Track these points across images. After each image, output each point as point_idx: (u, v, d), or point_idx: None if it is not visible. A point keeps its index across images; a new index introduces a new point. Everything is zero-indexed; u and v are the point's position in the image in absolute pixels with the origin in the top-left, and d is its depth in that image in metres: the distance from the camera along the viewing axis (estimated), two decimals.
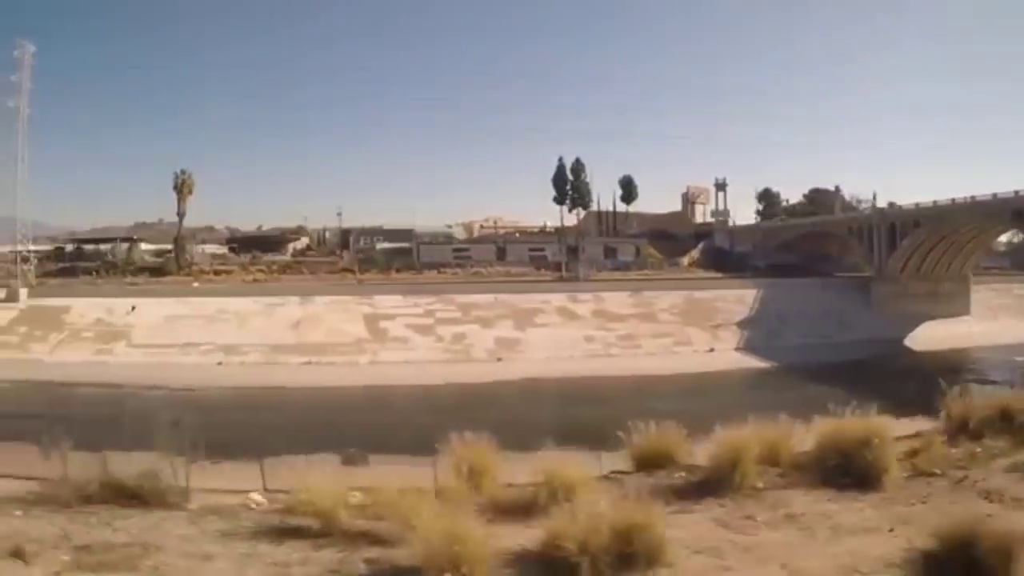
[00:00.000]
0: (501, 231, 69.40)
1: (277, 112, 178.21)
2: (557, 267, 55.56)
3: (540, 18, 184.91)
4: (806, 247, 60.79)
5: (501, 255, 54.52)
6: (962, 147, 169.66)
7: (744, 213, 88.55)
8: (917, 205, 50.49)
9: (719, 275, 56.77)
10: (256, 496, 7.75)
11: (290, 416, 26.88)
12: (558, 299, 46.78)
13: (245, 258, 63.91)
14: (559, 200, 63.60)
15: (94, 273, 59.23)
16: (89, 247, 66.99)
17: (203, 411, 25.35)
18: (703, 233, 64.89)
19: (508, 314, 44.13)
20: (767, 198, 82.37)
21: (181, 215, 64.11)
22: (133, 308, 45.10)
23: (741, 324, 46.05)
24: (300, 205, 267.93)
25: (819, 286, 52.97)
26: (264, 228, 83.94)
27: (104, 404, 27.80)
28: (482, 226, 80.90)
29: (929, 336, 45.02)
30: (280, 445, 14.60)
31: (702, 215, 74.33)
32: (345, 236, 72.43)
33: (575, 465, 7.04)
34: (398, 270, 55.89)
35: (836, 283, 55.05)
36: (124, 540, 5.77)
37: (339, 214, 74.50)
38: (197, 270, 59.06)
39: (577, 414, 26.82)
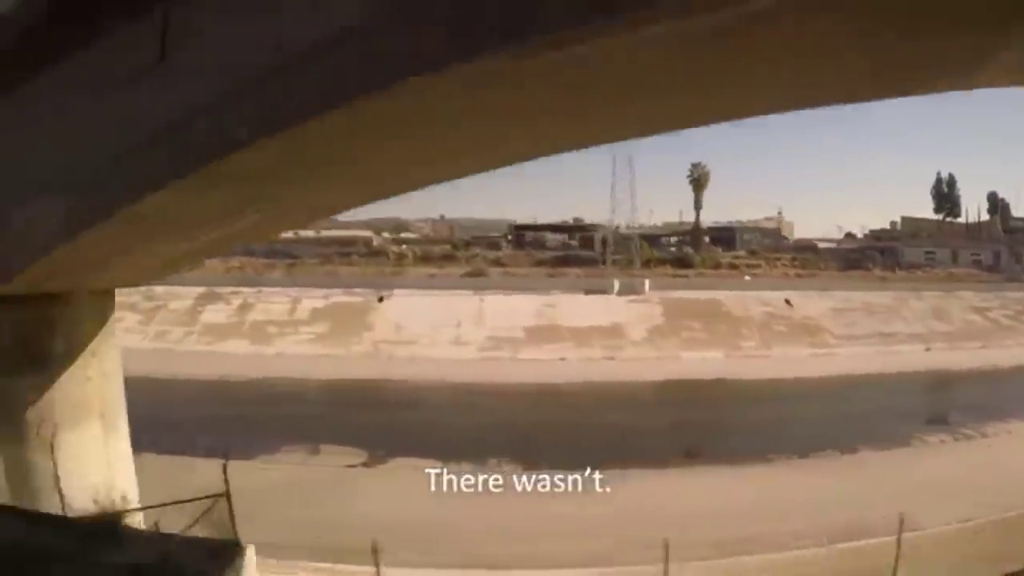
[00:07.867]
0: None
1: None
2: (987, 268, 71.07)
3: None
4: None
5: (955, 258, 70.04)
6: None
7: None
8: None
9: None
10: None
11: None
12: None
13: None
14: (937, 210, 79.09)
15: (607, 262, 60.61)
16: (529, 234, 72.15)
17: None
18: None
19: None
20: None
21: (698, 208, 69.79)
22: (787, 301, 50.67)
23: None
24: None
25: None
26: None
27: None
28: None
29: None
30: None
31: None
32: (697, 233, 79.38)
33: None
34: (894, 268, 66.21)
35: None
36: None
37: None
38: (728, 263, 64.83)
39: None
